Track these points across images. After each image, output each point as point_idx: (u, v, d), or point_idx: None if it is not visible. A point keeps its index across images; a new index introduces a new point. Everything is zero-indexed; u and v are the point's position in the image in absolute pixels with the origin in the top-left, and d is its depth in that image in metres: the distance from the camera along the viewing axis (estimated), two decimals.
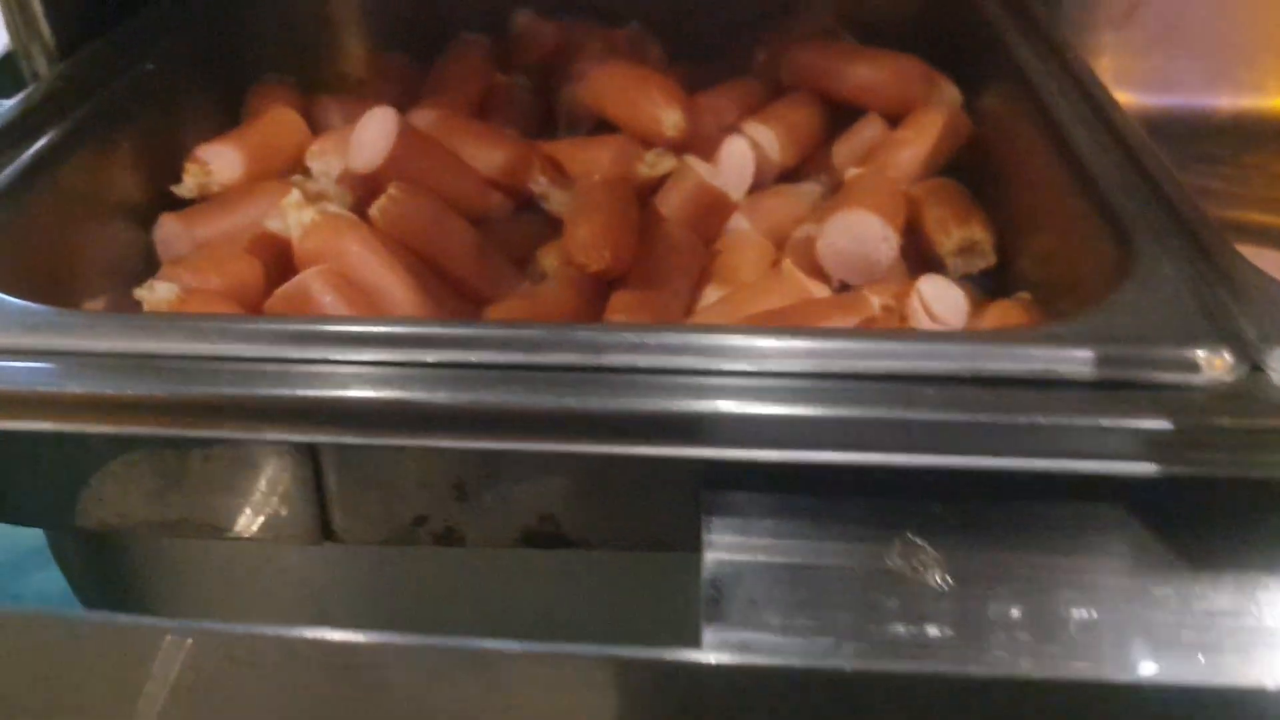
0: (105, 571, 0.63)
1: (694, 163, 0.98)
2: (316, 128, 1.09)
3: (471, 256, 0.91)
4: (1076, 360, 0.58)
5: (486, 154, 1.01)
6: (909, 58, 1.12)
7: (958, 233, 0.92)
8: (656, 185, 1.01)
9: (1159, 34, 1.37)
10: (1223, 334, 0.60)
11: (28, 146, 0.83)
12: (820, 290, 0.89)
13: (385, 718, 0.48)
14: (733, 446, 0.54)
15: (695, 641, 0.48)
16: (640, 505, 0.59)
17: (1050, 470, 0.54)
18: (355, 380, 0.56)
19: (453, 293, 0.90)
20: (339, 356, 0.57)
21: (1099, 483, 0.54)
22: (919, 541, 0.52)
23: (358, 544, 0.60)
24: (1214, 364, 0.59)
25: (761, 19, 1.29)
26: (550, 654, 0.47)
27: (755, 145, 1.05)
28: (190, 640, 0.47)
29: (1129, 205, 0.74)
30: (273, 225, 0.82)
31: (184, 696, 0.48)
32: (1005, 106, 1.02)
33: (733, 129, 1.06)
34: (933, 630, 0.46)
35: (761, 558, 0.52)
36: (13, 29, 1.00)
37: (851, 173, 1.01)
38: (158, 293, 0.74)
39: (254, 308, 0.81)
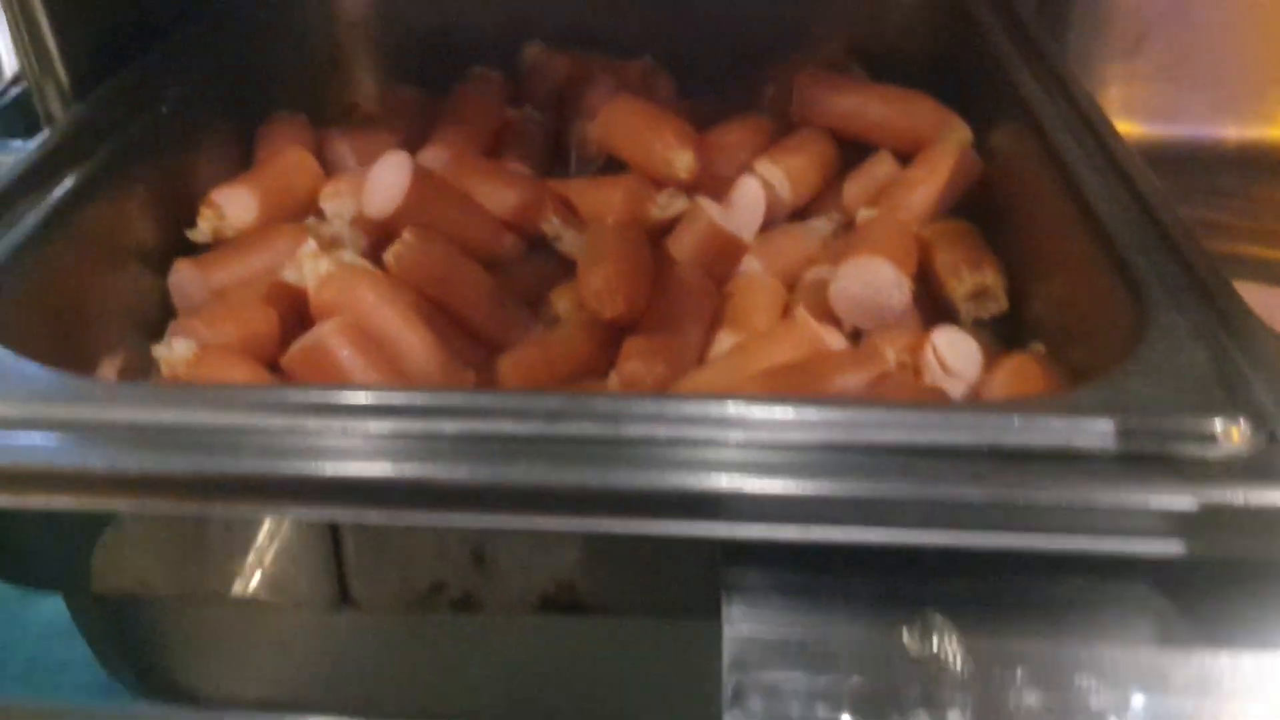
0: (125, 636, 0.63)
1: (705, 205, 0.98)
2: (328, 165, 1.10)
3: (485, 301, 0.91)
4: (1093, 433, 0.58)
5: (499, 195, 1.01)
6: (919, 95, 1.12)
7: (970, 278, 0.92)
8: (668, 226, 1.02)
9: (1166, 64, 1.37)
10: (1239, 403, 0.61)
11: (45, 195, 0.83)
12: (833, 337, 0.89)
13: None
14: (750, 522, 0.54)
15: None
16: (659, 575, 0.59)
17: (1068, 549, 0.54)
18: (375, 454, 0.56)
19: (467, 338, 0.90)
20: (358, 427, 0.58)
21: (1117, 560, 0.54)
22: (938, 620, 0.52)
23: (376, 611, 0.60)
24: (1231, 435, 0.59)
25: (771, 51, 1.29)
26: None
27: (766, 185, 1.06)
28: None
29: (1142, 260, 0.74)
30: (289, 276, 0.82)
31: None
32: (1015, 145, 1.02)
33: (744, 168, 1.06)
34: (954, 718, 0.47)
35: (781, 636, 0.52)
36: (27, 69, 1.00)
37: (863, 214, 1.02)
38: (175, 351, 0.74)
39: (270, 359, 0.81)
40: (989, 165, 1.07)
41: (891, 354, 0.80)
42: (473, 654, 0.62)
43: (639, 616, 0.60)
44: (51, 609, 0.62)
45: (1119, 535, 0.54)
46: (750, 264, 1.00)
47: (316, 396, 0.59)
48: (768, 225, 1.06)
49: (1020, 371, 0.78)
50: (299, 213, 1.01)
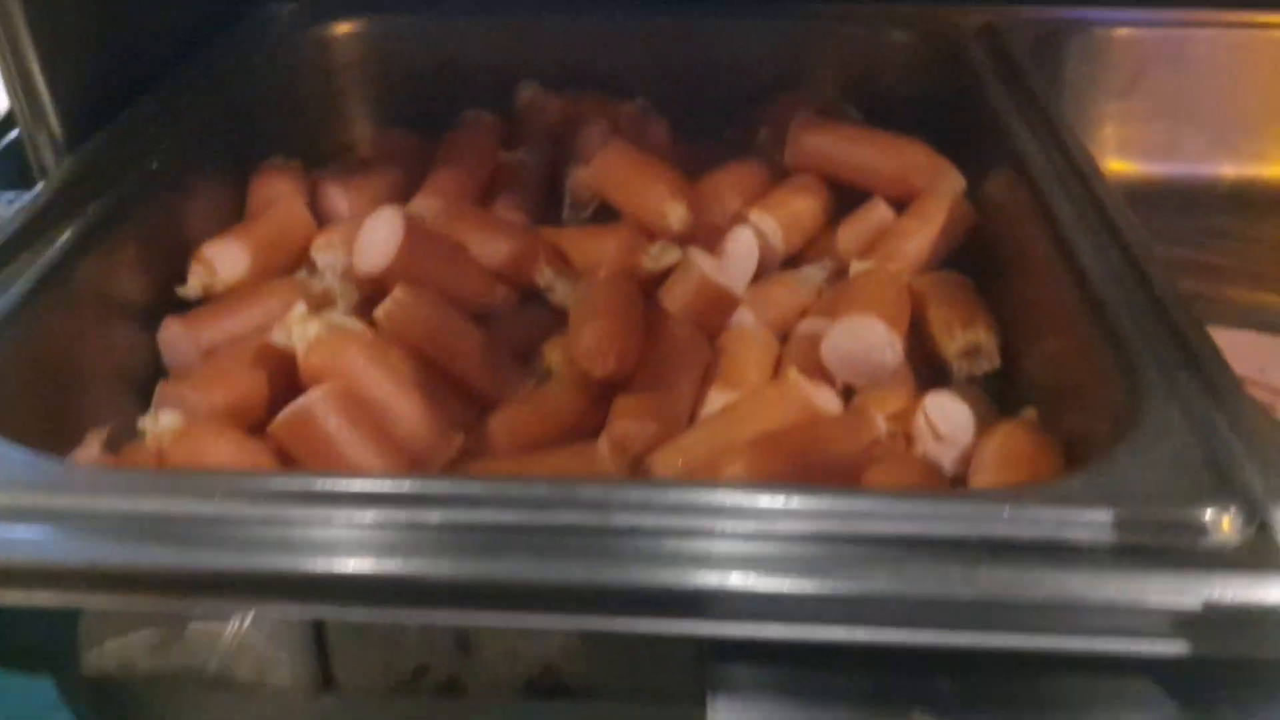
0: (111, 715, 0.63)
1: (698, 258, 0.98)
2: (321, 213, 1.10)
3: (476, 358, 0.91)
4: (1081, 525, 0.58)
5: (492, 246, 1.01)
6: (913, 143, 1.12)
7: (962, 336, 0.92)
8: (661, 277, 1.01)
9: (1162, 103, 1.37)
10: (1231, 490, 0.60)
11: (34, 258, 0.83)
12: (825, 395, 0.89)
13: None
14: (736, 621, 0.54)
15: None
16: (645, 663, 0.59)
17: (1059, 648, 0.54)
18: (356, 548, 0.56)
19: (458, 396, 0.90)
20: (340, 517, 0.57)
21: (1108, 658, 0.54)
22: None
23: (359, 694, 0.60)
24: (1221, 525, 0.59)
25: (766, 92, 1.29)
26: None
27: (760, 234, 1.05)
28: None
29: (1135, 332, 0.74)
30: (277, 339, 0.82)
31: None
32: (1007, 196, 1.02)
33: (737, 218, 1.06)
34: None
35: None
36: (21, 119, 1.00)
37: (856, 266, 1.01)
38: (161, 423, 0.74)
39: (260, 424, 0.81)
40: (982, 215, 1.07)
41: (883, 422, 0.80)
42: None
43: (625, 703, 0.59)
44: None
45: (1107, 635, 0.54)
46: (743, 316, 1.00)
47: (297, 484, 0.59)
48: (761, 274, 1.05)
49: (1012, 439, 0.77)
50: (291, 265, 1.01)
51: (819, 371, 0.92)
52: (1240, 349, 1.05)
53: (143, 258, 0.93)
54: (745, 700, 0.53)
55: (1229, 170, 1.39)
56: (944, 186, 1.08)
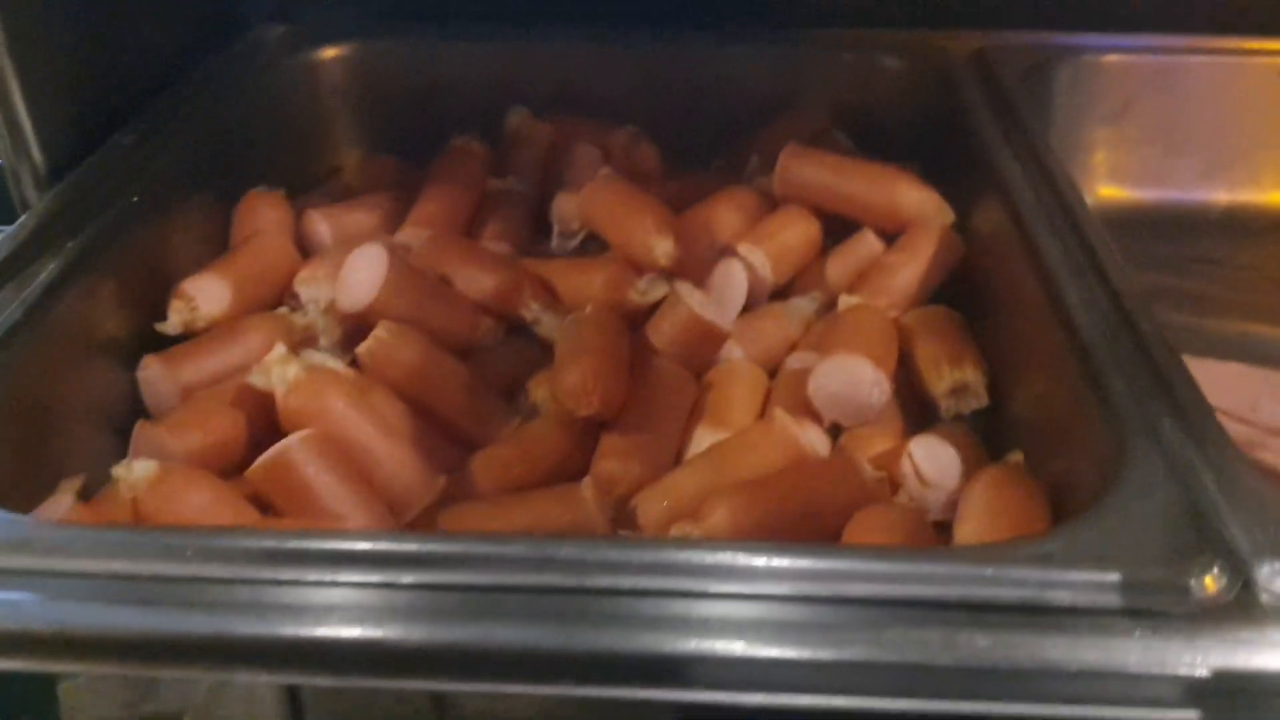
0: None
1: (685, 293, 0.97)
2: (306, 242, 1.09)
3: (460, 397, 0.90)
4: (1065, 585, 0.57)
5: (478, 279, 1.00)
6: (902, 174, 1.12)
7: (950, 375, 0.91)
8: (649, 309, 1.01)
9: (1153, 129, 1.36)
10: (1215, 547, 0.60)
11: (13, 297, 0.82)
12: (812, 433, 0.88)
13: None
14: (713, 690, 0.53)
15: None
16: None
17: (1041, 716, 0.53)
18: (330, 613, 0.55)
19: (442, 436, 0.89)
20: (313, 577, 0.57)
21: None
22: None
23: None
24: (1205, 585, 0.58)
25: (756, 119, 1.29)
26: None
27: (748, 266, 1.05)
28: None
29: (1120, 380, 0.73)
30: (256, 381, 0.81)
31: None
32: (994, 230, 1.01)
33: (726, 250, 1.05)
34: None
35: None
36: (3, 152, 0.99)
37: (844, 301, 1.01)
38: (135, 472, 0.73)
39: (239, 467, 0.80)
40: (971, 247, 1.06)
41: (869, 469, 0.79)
42: None
43: None
44: None
45: (1090, 703, 0.53)
46: (731, 351, 0.99)
47: (269, 543, 0.58)
48: (749, 306, 1.05)
49: (999, 487, 0.76)
50: (274, 299, 1.00)
51: (807, 407, 0.91)
52: (1229, 382, 1.05)
53: (124, 293, 0.92)
54: None
55: (1221, 196, 1.38)
56: (933, 219, 1.08)
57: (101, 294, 0.91)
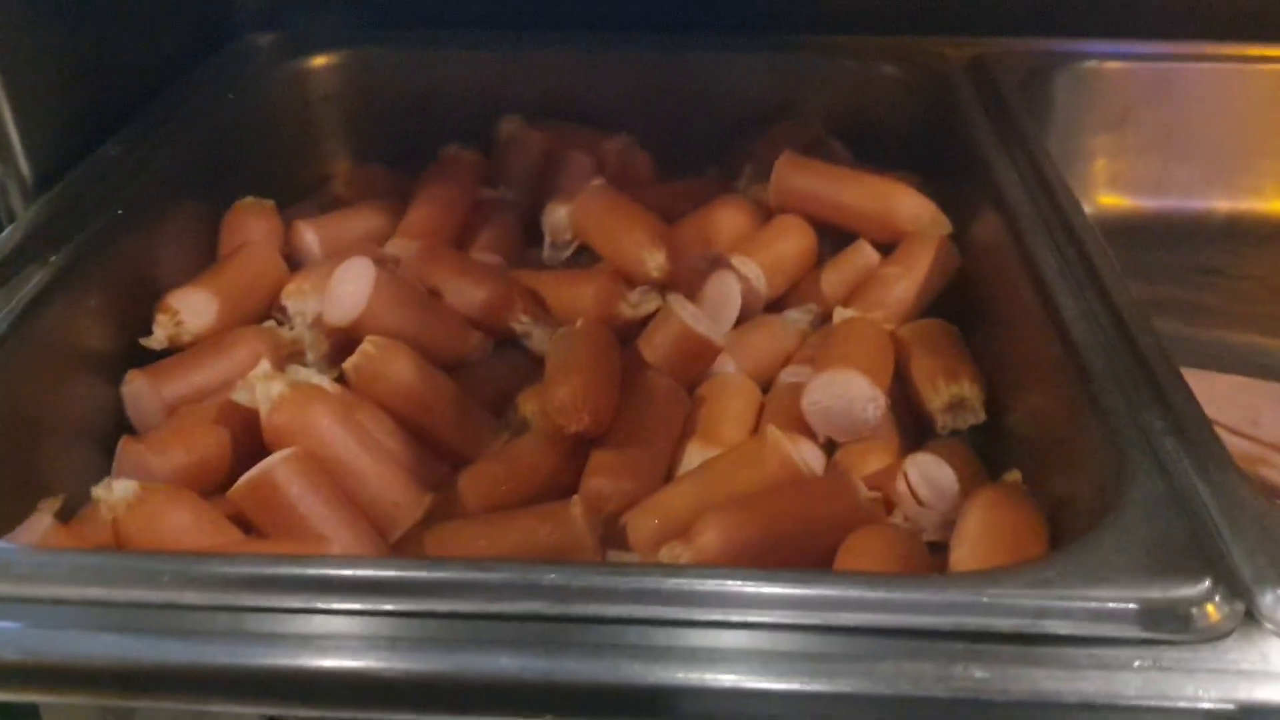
0: None
1: (678, 305, 0.96)
2: (295, 253, 1.07)
3: (448, 413, 0.89)
4: (1062, 613, 0.56)
5: (467, 292, 0.99)
6: (899, 184, 1.10)
7: (946, 390, 0.90)
8: (641, 322, 0.99)
9: (1153, 136, 1.35)
10: (1217, 574, 0.58)
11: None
12: (805, 449, 0.87)
13: None
14: None
15: None
16: None
17: None
18: (309, 642, 0.53)
19: (430, 452, 0.88)
20: (293, 605, 0.55)
21: None
22: None
23: None
24: (1207, 613, 0.56)
25: (751, 126, 1.28)
26: None
27: (742, 278, 1.03)
28: None
29: (1119, 399, 0.72)
30: (240, 398, 0.80)
31: None
32: (991, 241, 1.00)
33: (719, 262, 1.04)
34: None
35: None
36: None
37: (840, 314, 0.99)
38: (114, 493, 0.72)
39: (222, 485, 0.78)
40: (968, 258, 1.05)
41: (863, 488, 0.78)
42: None
43: None
44: None
45: None
46: (724, 364, 0.98)
47: (246, 569, 0.57)
48: (744, 318, 1.03)
49: (996, 508, 0.75)
50: (261, 312, 0.99)
51: (801, 423, 0.90)
52: (1231, 395, 1.03)
53: (110, 306, 0.91)
54: None
55: (1222, 205, 1.37)
56: (930, 230, 1.06)
57: (87, 307, 0.89)
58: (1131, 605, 0.56)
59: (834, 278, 1.07)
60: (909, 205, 1.08)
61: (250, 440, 0.81)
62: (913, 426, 0.93)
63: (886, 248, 1.08)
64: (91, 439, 0.87)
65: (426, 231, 1.08)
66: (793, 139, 1.20)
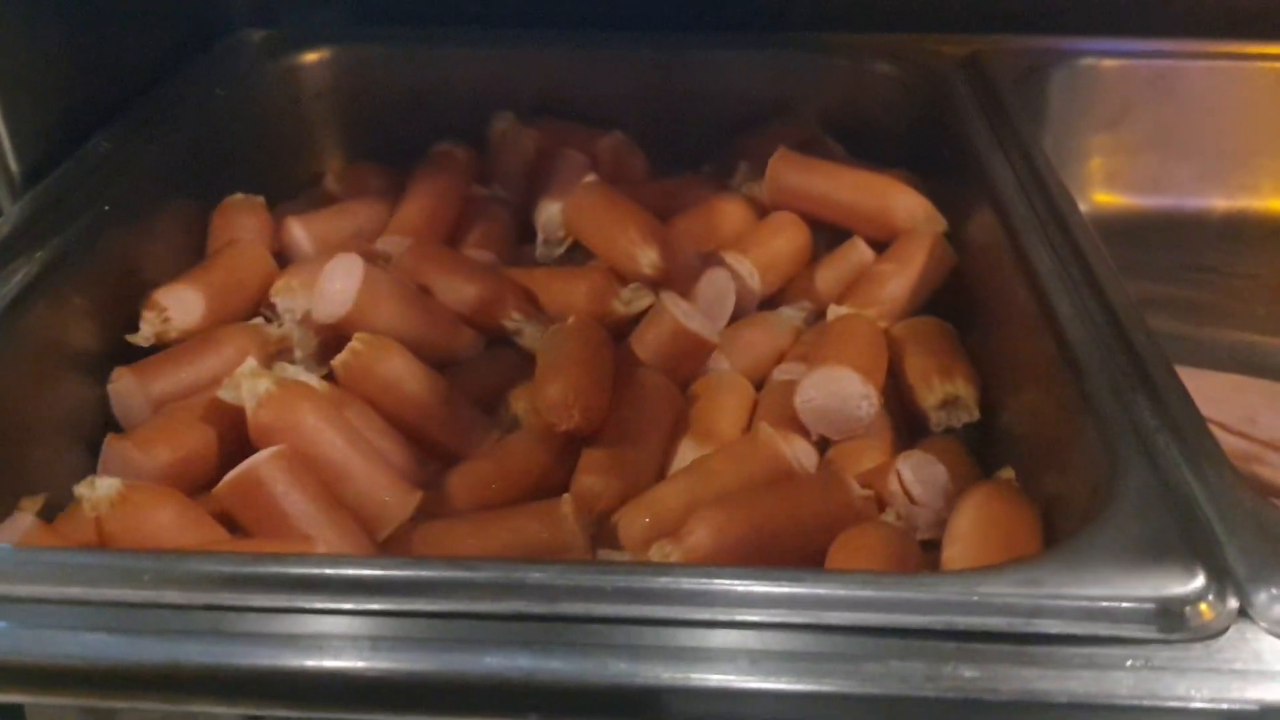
0: None
1: (670, 303, 0.95)
2: (285, 250, 1.07)
3: (438, 411, 0.88)
4: (1054, 612, 0.55)
5: (458, 289, 0.98)
6: (894, 181, 1.10)
7: (940, 388, 0.89)
8: (634, 319, 0.99)
9: (1151, 134, 1.34)
10: (1211, 572, 0.57)
11: None
12: (798, 447, 0.86)
13: None
14: None
15: None
16: None
17: None
18: (290, 641, 0.53)
19: (420, 451, 0.87)
20: (274, 604, 0.55)
21: None
22: None
23: None
24: (1200, 611, 0.56)
25: (747, 124, 1.27)
26: None
27: (736, 276, 1.03)
28: None
29: (1113, 396, 0.71)
30: (226, 395, 0.79)
31: None
32: (986, 239, 0.99)
33: (712, 259, 1.03)
34: None
35: None
36: None
37: (834, 311, 0.98)
38: (98, 490, 0.71)
39: (208, 483, 0.78)
40: (963, 256, 1.04)
41: (856, 486, 0.77)
42: None
43: None
44: None
45: None
46: (718, 362, 0.97)
47: (228, 568, 0.56)
48: (738, 315, 1.03)
49: (989, 505, 0.74)
50: (250, 309, 0.98)
51: (794, 420, 0.89)
52: (1227, 394, 1.03)
53: (97, 303, 0.90)
54: None
55: (1220, 203, 1.36)
56: (925, 227, 1.06)
57: (73, 303, 0.89)
58: (1124, 604, 0.55)
59: (828, 275, 1.07)
60: (904, 203, 1.07)
61: (237, 438, 0.80)
62: (906, 424, 0.93)
63: (881, 245, 1.07)
64: (78, 437, 0.87)
65: (418, 228, 1.07)
66: (788, 136, 1.19)
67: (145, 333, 0.91)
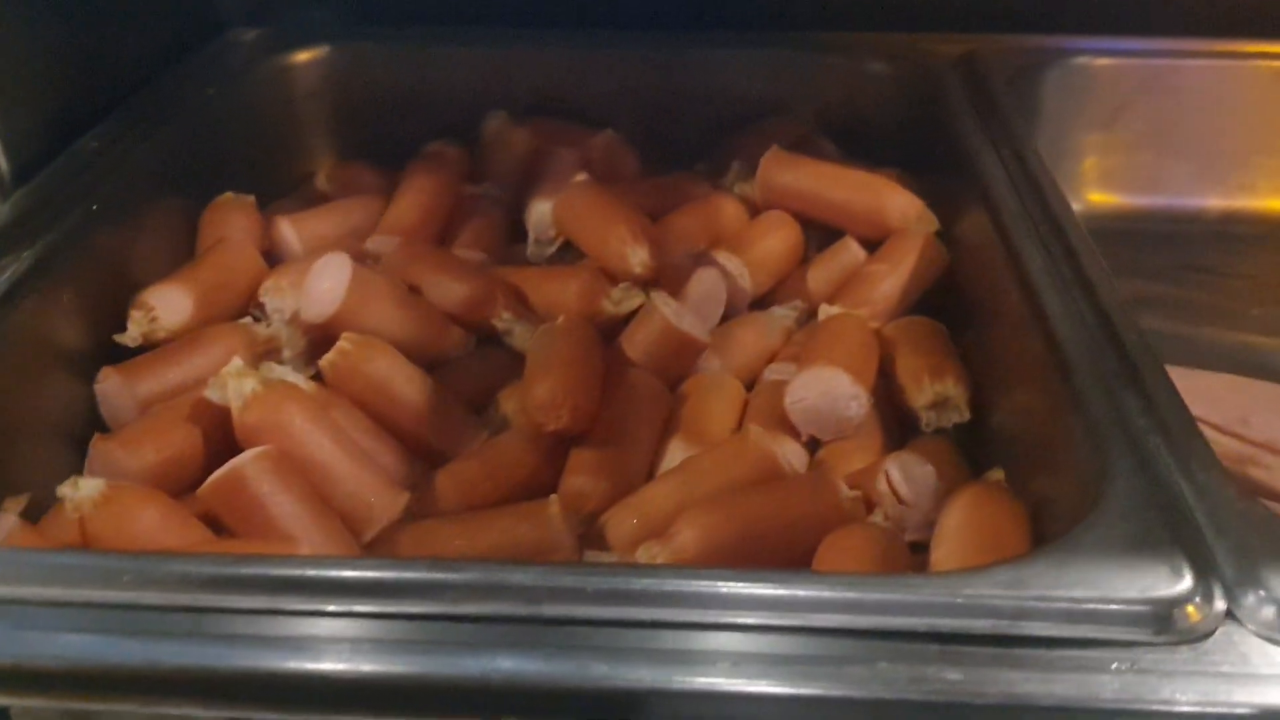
0: None
1: (661, 303, 0.94)
2: (274, 249, 1.06)
3: (426, 411, 0.87)
4: (1040, 615, 0.54)
5: (448, 288, 0.98)
6: (886, 180, 1.09)
7: (930, 388, 0.89)
8: (624, 318, 0.98)
9: (1145, 134, 1.34)
10: (1197, 573, 0.57)
11: None
12: (788, 448, 0.86)
13: None
14: None
15: None
16: None
17: None
18: (271, 644, 0.52)
19: (408, 451, 0.86)
20: (254, 605, 0.54)
21: None
22: None
23: None
24: (1187, 614, 0.55)
25: (740, 123, 1.26)
26: None
27: (727, 275, 1.02)
28: None
29: (1104, 398, 0.70)
30: (212, 395, 0.79)
31: None
32: (978, 239, 0.99)
33: (703, 259, 1.03)
34: None
35: None
36: None
37: (825, 311, 0.98)
38: (81, 490, 0.70)
39: (193, 484, 0.77)
40: (955, 255, 1.04)
41: (844, 487, 0.77)
42: None
43: None
44: None
45: None
46: (709, 362, 0.97)
47: (209, 568, 0.56)
48: (729, 315, 1.02)
49: (978, 507, 0.74)
50: (239, 309, 0.97)
51: (785, 421, 0.89)
52: (1221, 395, 1.02)
53: (84, 302, 0.90)
54: None
55: (1215, 203, 1.36)
56: (917, 227, 1.05)
57: (61, 303, 0.88)
58: (1110, 605, 0.55)
59: (820, 274, 1.06)
60: (896, 202, 1.07)
61: (223, 438, 0.80)
62: (897, 424, 0.92)
63: (873, 245, 1.07)
64: (65, 437, 0.86)
65: (408, 227, 1.07)
66: (780, 135, 1.19)
67: (133, 333, 0.91)
